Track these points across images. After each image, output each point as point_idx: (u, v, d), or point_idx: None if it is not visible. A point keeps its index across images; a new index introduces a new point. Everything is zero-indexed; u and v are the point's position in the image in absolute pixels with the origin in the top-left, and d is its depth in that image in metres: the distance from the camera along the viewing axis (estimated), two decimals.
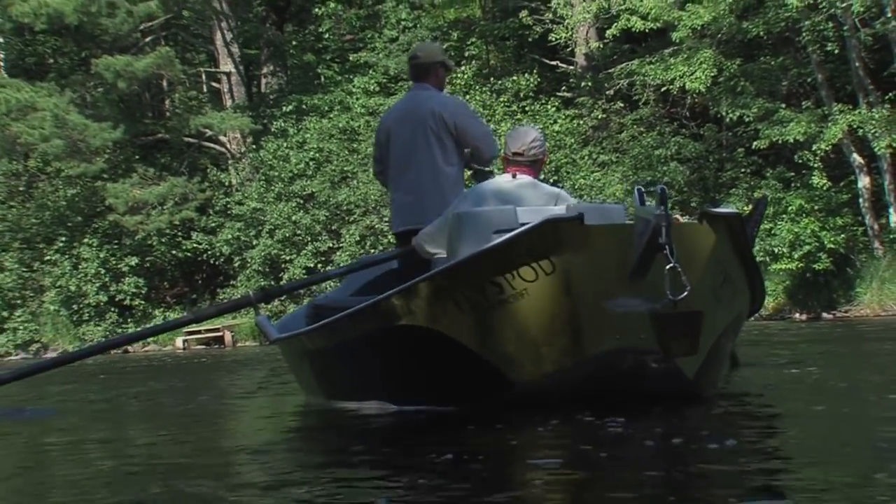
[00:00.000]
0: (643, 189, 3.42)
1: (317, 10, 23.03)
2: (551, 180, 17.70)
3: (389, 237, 17.62)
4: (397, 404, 3.89)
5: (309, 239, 19.64)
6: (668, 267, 3.07)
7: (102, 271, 21.52)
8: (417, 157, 4.73)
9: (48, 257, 22.10)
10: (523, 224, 3.60)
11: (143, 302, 21.76)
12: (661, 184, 3.22)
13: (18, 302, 22.36)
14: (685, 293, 3.08)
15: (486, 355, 3.40)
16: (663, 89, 16.84)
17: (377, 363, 3.91)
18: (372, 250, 18.00)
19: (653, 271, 3.13)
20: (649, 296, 3.18)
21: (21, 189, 23.41)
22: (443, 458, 2.64)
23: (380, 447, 3.19)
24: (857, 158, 15.32)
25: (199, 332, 20.20)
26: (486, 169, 4.83)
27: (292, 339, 4.68)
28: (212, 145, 23.11)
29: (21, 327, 22.02)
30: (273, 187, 20.52)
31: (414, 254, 4.42)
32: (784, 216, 14.94)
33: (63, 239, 22.05)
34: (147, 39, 22.94)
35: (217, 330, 19.92)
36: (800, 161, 15.19)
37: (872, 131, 14.37)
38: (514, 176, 4.12)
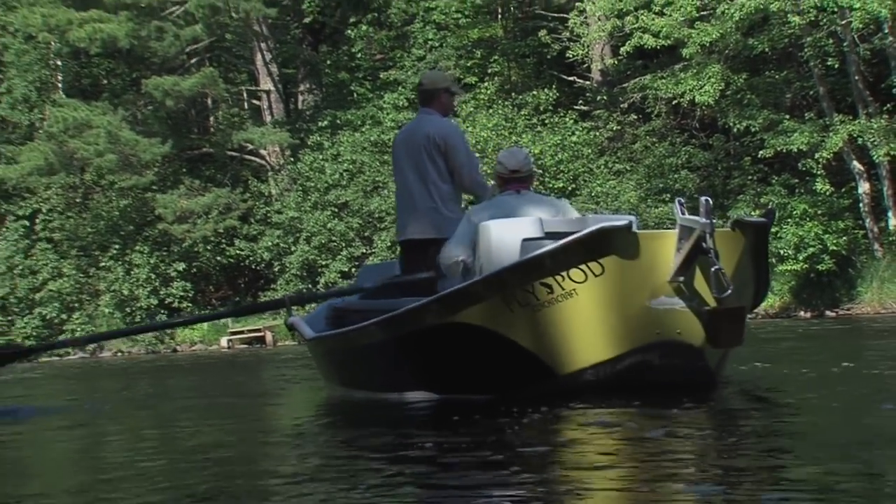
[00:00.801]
0: (683, 201, 3.56)
1: (350, 31, 23.14)
2: (569, 188, 18.03)
3: None
4: (441, 394, 4.00)
5: (343, 245, 19.91)
6: (713, 269, 3.28)
7: (153, 276, 21.72)
8: (416, 175, 4.91)
9: (103, 263, 22.29)
10: (549, 232, 3.94)
11: (190, 304, 21.94)
12: (706, 195, 3.53)
13: (76, 305, 22.53)
14: (728, 292, 3.31)
15: (533, 349, 3.55)
16: (674, 102, 16.94)
17: (425, 357, 3.97)
18: None
19: (691, 273, 3.37)
20: (688, 295, 3.41)
21: (78, 200, 23.54)
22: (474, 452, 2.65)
23: (431, 434, 3.19)
24: (857, 166, 15.47)
25: (242, 332, 20.58)
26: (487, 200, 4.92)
27: (335, 336, 4.67)
28: (253, 158, 23.12)
29: (79, 329, 22.09)
30: (310, 197, 20.78)
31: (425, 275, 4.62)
32: (789, 220, 15.08)
33: (116, 246, 22.24)
34: (193, 60, 23.03)
35: (259, 330, 20.27)
36: (803, 168, 15.35)
37: (871, 140, 14.57)
38: (518, 192, 4.35)
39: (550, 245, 3.56)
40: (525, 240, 3.93)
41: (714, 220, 3.29)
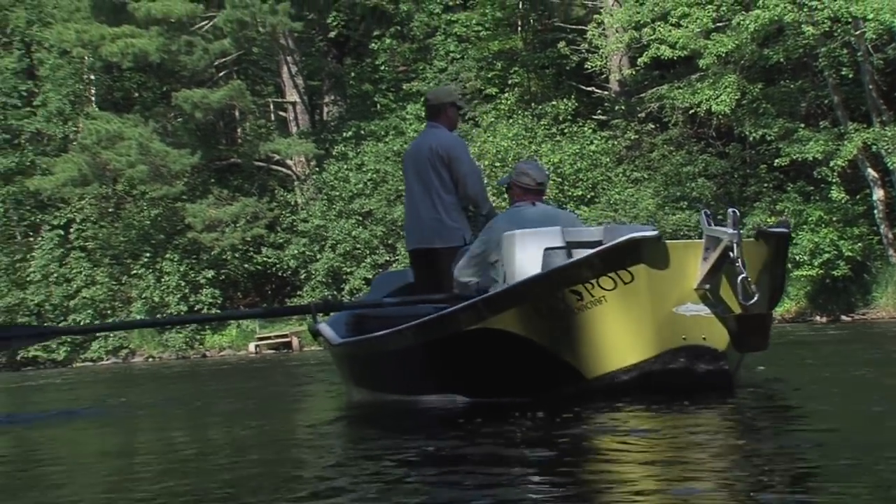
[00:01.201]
0: (709, 213, 3.61)
1: (373, 44, 23.36)
2: (588, 196, 18.17)
3: None
4: (472, 397, 4.05)
5: (367, 252, 20.13)
6: (740, 278, 3.37)
7: (182, 283, 22.09)
8: (421, 186, 5.05)
9: (134, 271, 22.67)
10: (570, 242, 4.07)
11: (218, 311, 21.97)
12: (734, 208, 3.68)
13: (109, 312, 22.93)
14: (755, 299, 3.41)
15: (562, 354, 3.64)
16: (691, 112, 16.96)
17: (458, 361, 4.01)
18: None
19: (717, 281, 3.46)
20: (713, 302, 3.51)
21: (110, 210, 24.00)
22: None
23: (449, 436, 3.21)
24: (871, 173, 15.48)
25: (269, 337, 20.87)
26: (483, 213, 5.05)
27: (364, 341, 4.68)
28: (279, 168, 23.35)
29: (111, 335, 22.58)
30: (335, 206, 21.00)
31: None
32: (805, 227, 15.13)
33: (147, 255, 22.62)
34: (221, 74, 23.34)
35: (286, 336, 20.53)
36: (818, 176, 15.37)
37: (886, 148, 14.61)
38: (533, 203, 4.42)
39: (581, 253, 3.67)
40: (547, 249, 4.05)
41: (741, 231, 3.40)
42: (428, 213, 5.01)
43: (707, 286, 3.49)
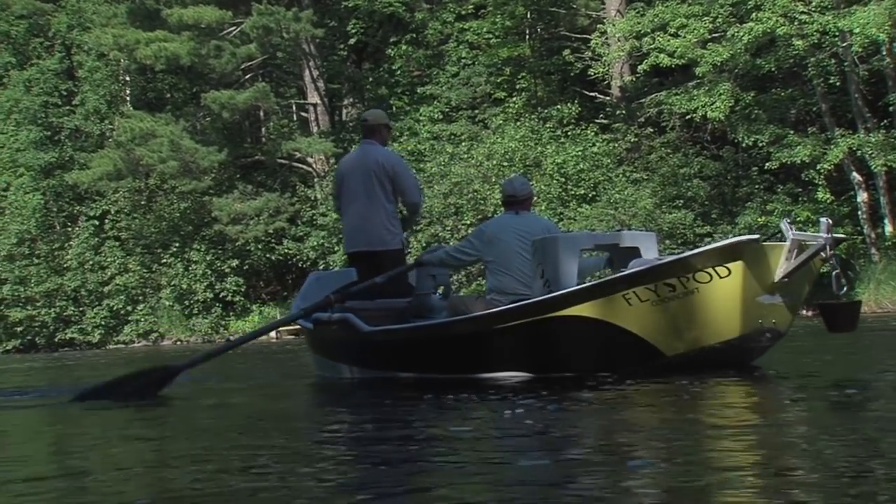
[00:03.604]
0: (790, 220, 4.17)
1: (390, 50, 23.40)
2: (590, 195, 18.27)
3: (451, 242, 18.39)
4: (537, 373, 4.33)
5: None
6: (833, 273, 3.89)
7: (209, 272, 22.25)
8: (366, 195, 5.38)
9: (164, 260, 22.84)
10: (597, 245, 4.73)
11: (242, 298, 22.50)
12: (825, 216, 4.26)
13: (140, 298, 23.21)
14: (844, 289, 3.93)
15: (644, 335, 4.01)
16: (687, 117, 16.98)
17: (530, 343, 4.27)
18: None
19: (794, 277, 3.96)
20: (786, 293, 4.02)
21: (143, 203, 24.19)
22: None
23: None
24: (856, 176, 15.53)
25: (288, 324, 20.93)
26: (417, 219, 5.52)
27: (426, 327, 4.82)
28: (300, 166, 23.42)
29: (142, 319, 22.94)
30: None
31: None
32: (793, 227, 15.30)
33: (176, 245, 22.78)
34: (247, 76, 23.48)
35: None
36: (806, 179, 15.43)
37: (870, 153, 14.68)
38: (517, 213, 4.88)
39: (689, 252, 4.11)
40: (582, 250, 4.57)
41: (833, 235, 3.91)
42: (374, 220, 5.38)
43: (786, 280, 3.96)
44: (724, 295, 3.93)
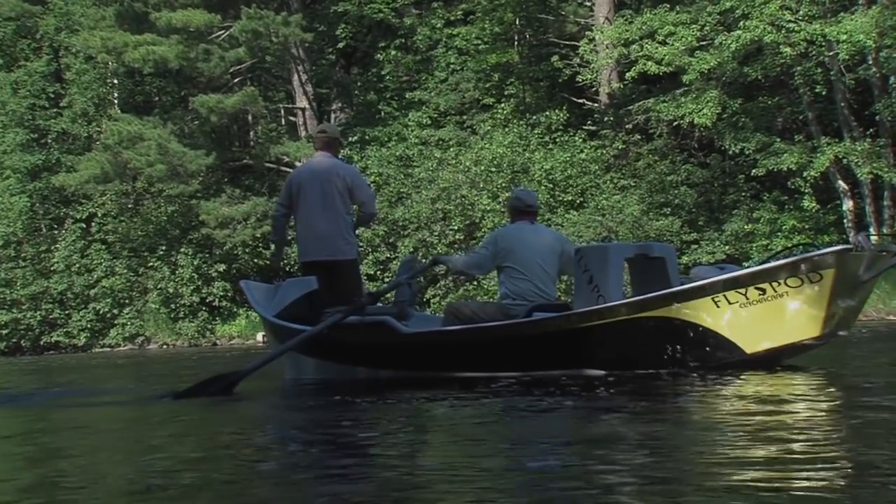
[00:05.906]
0: (866, 234, 4.61)
1: (379, 55, 23.33)
2: (578, 201, 18.18)
3: (438, 248, 18.25)
4: (608, 370, 4.49)
5: (370, 250, 20.03)
6: None
7: (196, 276, 21.97)
8: (325, 205, 5.47)
9: (151, 264, 22.56)
10: (637, 254, 4.88)
11: (229, 303, 22.25)
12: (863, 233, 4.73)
13: (126, 301, 22.87)
14: None
15: (728, 335, 4.27)
16: (675, 124, 16.99)
17: (609, 341, 4.46)
18: (423, 260, 18.51)
19: (870, 283, 4.36)
20: (860, 297, 4.39)
21: (130, 206, 23.89)
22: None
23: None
24: (842, 184, 15.55)
25: None
26: (370, 225, 5.72)
27: (489, 328, 4.79)
28: (289, 170, 22.47)
29: (128, 322, 22.61)
30: None
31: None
32: (779, 234, 15.19)
33: (163, 248, 22.51)
34: (235, 80, 23.29)
35: None
36: (792, 186, 15.43)
37: (855, 161, 14.69)
38: (532, 222, 5.28)
39: (790, 258, 4.36)
40: (626, 259, 4.89)
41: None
42: (333, 231, 5.47)
43: (862, 285, 4.31)
44: (811, 299, 4.18)
